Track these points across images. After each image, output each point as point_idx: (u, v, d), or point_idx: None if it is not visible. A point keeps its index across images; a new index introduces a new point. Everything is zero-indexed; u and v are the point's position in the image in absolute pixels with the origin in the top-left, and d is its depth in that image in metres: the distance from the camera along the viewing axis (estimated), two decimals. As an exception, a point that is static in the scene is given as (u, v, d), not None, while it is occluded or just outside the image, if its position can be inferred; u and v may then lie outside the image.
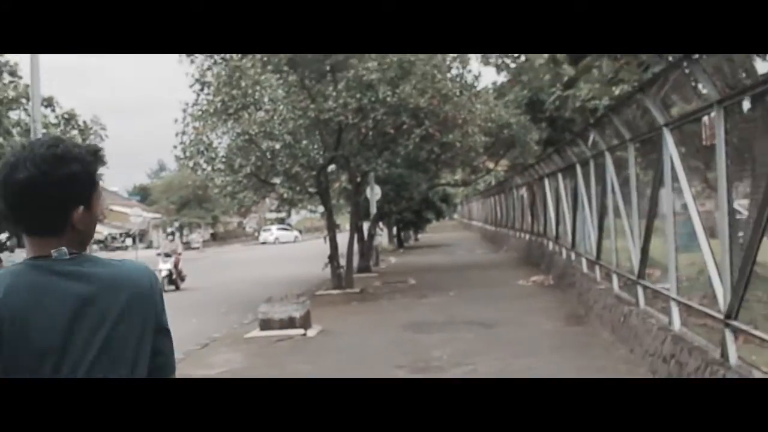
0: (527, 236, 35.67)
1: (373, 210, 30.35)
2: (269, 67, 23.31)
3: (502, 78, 38.75)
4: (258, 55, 22.59)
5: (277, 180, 26.48)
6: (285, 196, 28.26)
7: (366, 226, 33.60)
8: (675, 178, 10.98)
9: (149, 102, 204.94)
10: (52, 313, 2.53)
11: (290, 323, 17.12)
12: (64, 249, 2.61)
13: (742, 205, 12.60)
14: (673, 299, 11.31)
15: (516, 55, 35.82)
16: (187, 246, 77.62)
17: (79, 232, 2.67)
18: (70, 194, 2.63)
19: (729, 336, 8.74)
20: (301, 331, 16.95)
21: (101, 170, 2.76)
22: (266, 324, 17.31)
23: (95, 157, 2.72)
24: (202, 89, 24.31)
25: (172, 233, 31.22)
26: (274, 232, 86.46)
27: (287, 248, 67.14)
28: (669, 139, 10.98)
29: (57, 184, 2.58)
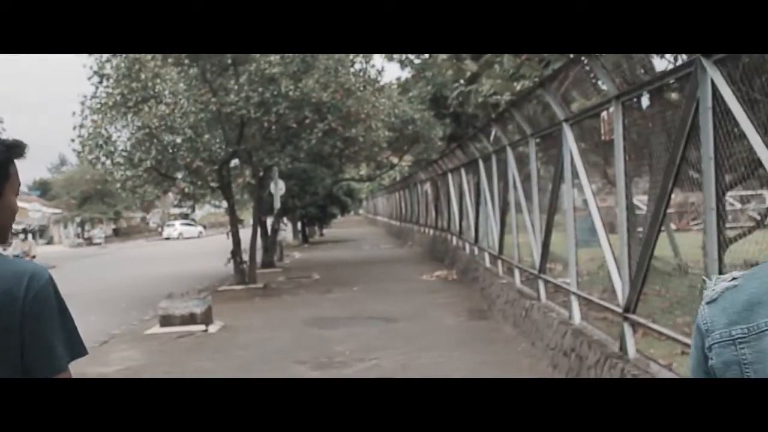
0: (431, 231, 35.86)
1: (277, 205, 30.15)
2: (170, 60, 22.95)
3: (406, 74, 38.87)
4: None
5: (178, 174, 26.09)
6: (187, 190, 27.86)
7: (270, 221, 33.38)
8: (576, 173, 11.06)
9: (52, 95, 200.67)
10: None
11: (191, 319, 16.87)
12: None
13: (641, 200, 12.78)
14: (573, 293, 11.41)
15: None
16: (89, 242, 76.49)
17: None
18: None
19: (627, 329, 8.84)
20: (202, 327, 16.73)
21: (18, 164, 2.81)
22: (167, 320, 17.04)
23: (8, 149, 2.76)
24: (101, 81, 23.83)
25: (24, 232, 29.42)
26: (177, 227, 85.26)
27: (191, 243, 66.49)
28: (569, 135, 11.06)
29: None
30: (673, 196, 8.17)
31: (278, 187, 29.82)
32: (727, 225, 8.88)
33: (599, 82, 10.04)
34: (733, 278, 1.63)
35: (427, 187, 37.08)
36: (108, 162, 23.92)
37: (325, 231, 66.18)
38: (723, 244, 6.79)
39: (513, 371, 11.52)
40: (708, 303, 1.64)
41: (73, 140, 23.55)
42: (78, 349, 2.77)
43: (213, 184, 27.36)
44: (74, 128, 23.37)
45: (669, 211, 9.94)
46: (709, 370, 1.62)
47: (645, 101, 10.12)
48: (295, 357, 13.51)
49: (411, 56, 37.04)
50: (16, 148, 2.79)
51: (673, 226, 13.38)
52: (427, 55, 35.65)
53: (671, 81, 8.28)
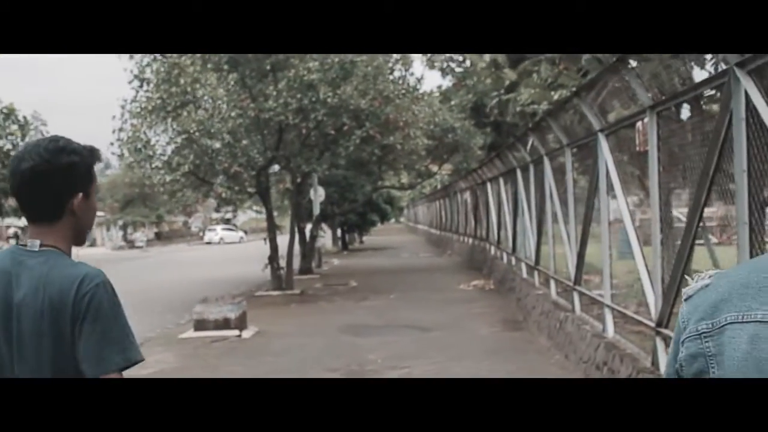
0: (470, 240, 35.71)
1: (316, 211, 30.17)
2: (209, 65, 23.02)
3: (447, 82, 38.76)
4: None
5: (216, 179, 26.14)
6: (224, 195, 27.94)
7: (309, 227, 33.40)
8: (611, 185, 10.92)
9: (97, 99, 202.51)
10: (2, 292, 2.82)
11: (225, 324, 16.88)
12: (38, 241, 2.87)
13: (683, 212, 12.59)
14: (607, 306, 11.26)
15: (461, 59, 35.78)
16: (131, 245, 77.04)
17: (77, 219, 2.95)
18: (70, 181, 2.90)
19: (660, 344, 8.69)
20: (236, 332, 16.72)
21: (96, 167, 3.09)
22: (201, 324, 17.06)
23: (92, 153, 3.01)
24: (141, 86, 23.98)
25: (16, 235, 29.03)
26: (219, 232, 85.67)
27: (232, 248, 66.62)
28: (604, 145, 10.93)
29: (59, 171, 2.87)
30: (714, 209, 8.03)
31: (318, 194, 29.85)
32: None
33: (638, 92, 9.91)
34: (710, 277, 1.75)
35: (467, 196, 36.96)
36: (147, 166, 24.04)
37: (365, 238, 66.15)
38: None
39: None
40: (685, 300, 1.76)
41: (112, 144, 23.75)
42: (131, 355, 2.86)
43: (250, 190, 27.41)
44: (113, 132, 23.56)
45: (711, 224, 9.79)
46: (678, 362, 1.75)
47: (686, 112, 9.98)
48: (327, 364, 13.45)
49: (452, 64, 36.95)
50: (96, 153, 3.06)
51: (715, 240, 13.18)
52: (468, 63, 35.53)
53: (708, 91, 8.13)
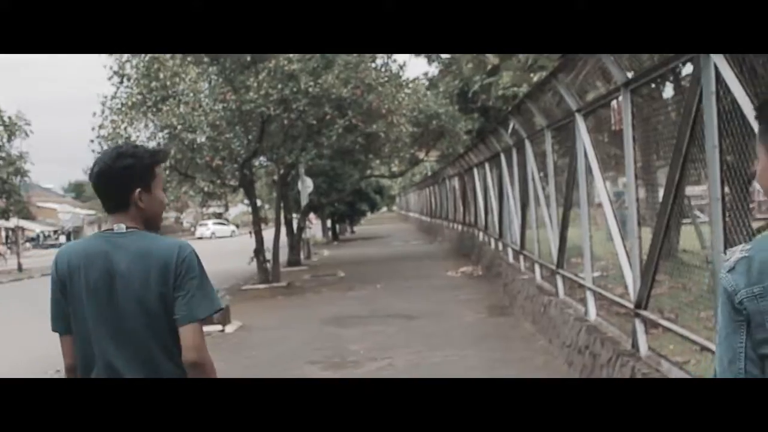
0: (460, 227, 35.57)
1: (304, 202, 29.98)
2: (189, 59, 22.77)
3: (434, 69, 38.56)
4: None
5: (198, 174, 25.86)
6: (206, 189, 27.66)
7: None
8: (589, 165, 10.73)
9: (87, 98, 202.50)
10: (100, 268, 3.59)
11: (208, 319, 16.57)
12: (123, 225, 3.65)
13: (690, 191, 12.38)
14: (588, 288, 11.10)
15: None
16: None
17: (142, 209, 3.69)
18: (128, 179, 3.65)
19: (639, 326, 8.53)
20: (219, 327, 16.53)
21: (163, 164, 3.96)
22: (183, 320, 16.84)
23: (152, 155, 3.78)
24: (121, 82, 23.74)
25: (55, 233, 29.52)
26: (210, 226, 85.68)
27: (223, 243, 66.48)
28: (581, 125, 10.74)
29: (117, 172, 3.64)
30: (705, 187, 7.85)
31: (305, 185, 29.67)
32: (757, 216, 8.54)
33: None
34: (743, 250, 2.30)
35: (455, 182, 36.81)
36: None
37: (356, 228, 66.06)
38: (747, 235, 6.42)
39: (526, 369, 11.23)
40: (728, 271, 2.30)
41: (92, 141, 23.48)
42: (216, 304, 3.80)
43: (233, 183, 27.21)
44: (93, 129, 23.32)
45: (703, 202, 9.60)
46: (745, 318, 2.26)
47: (670, 90, 9.79)
48: (308, 357, 13.29)
49: (437, 51, 36.78)
50: (159, 153, 3.91)
51: (706, 218, 12.97)
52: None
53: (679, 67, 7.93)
